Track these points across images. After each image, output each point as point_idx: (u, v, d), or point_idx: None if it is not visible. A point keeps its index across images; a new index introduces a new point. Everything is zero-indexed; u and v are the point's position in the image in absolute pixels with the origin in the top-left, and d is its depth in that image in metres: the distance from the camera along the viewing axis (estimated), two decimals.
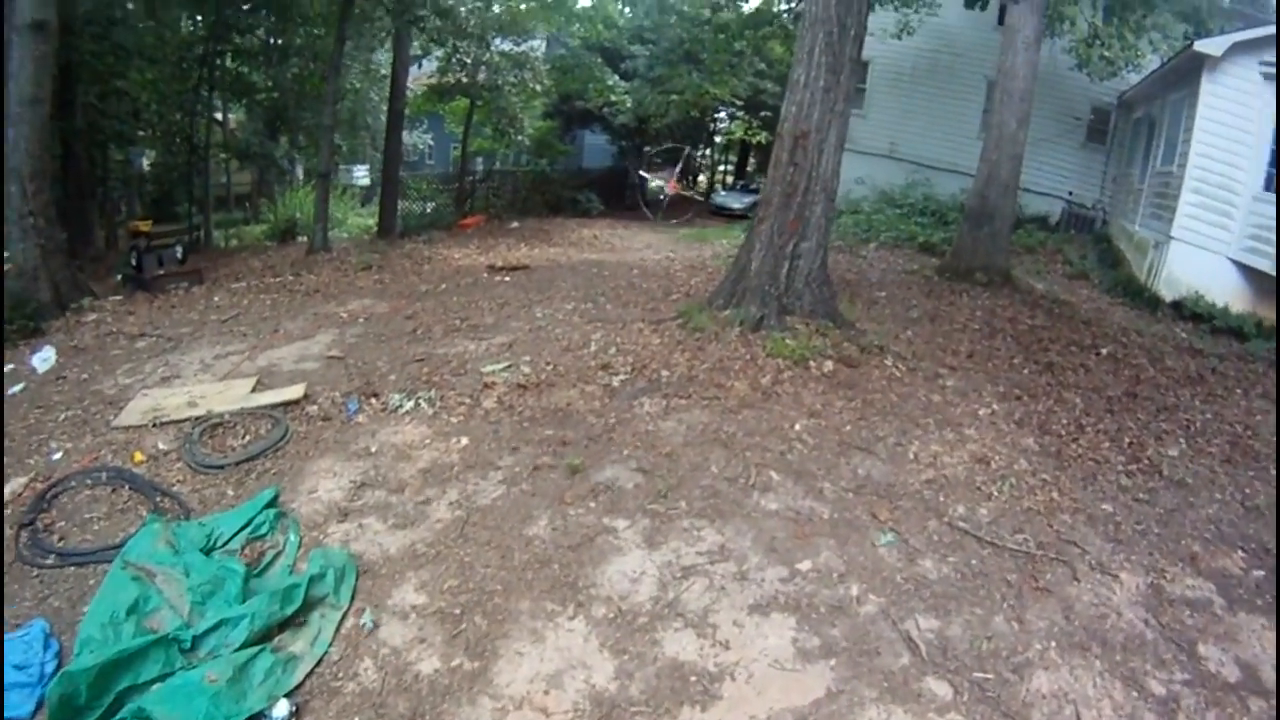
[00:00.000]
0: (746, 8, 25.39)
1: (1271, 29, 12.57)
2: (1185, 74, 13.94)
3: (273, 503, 6.09)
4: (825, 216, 9.47)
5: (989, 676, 4.80)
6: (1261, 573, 6.71)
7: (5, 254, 11.06)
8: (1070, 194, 20.51)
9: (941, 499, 6.50)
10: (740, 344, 8.78)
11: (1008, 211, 13.52)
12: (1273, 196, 12.48)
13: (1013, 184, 13.40)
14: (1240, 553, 6.89)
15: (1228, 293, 13.10)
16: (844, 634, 5.00)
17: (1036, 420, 8.26)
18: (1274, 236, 12.12)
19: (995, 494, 6.68)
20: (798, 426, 7.34)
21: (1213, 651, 5.58)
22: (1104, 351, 10.56)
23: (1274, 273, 12.22)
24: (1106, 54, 15.30)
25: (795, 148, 9.15)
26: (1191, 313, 12.89)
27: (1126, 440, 8.17)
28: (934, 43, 20.45)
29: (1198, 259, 13.29)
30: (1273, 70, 12.45)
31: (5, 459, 6.67)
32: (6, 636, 4.59)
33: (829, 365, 8.57)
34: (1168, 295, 13.30)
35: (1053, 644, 5.15)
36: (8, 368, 8.95)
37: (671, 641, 4.83)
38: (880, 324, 10.32)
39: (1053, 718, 4.66)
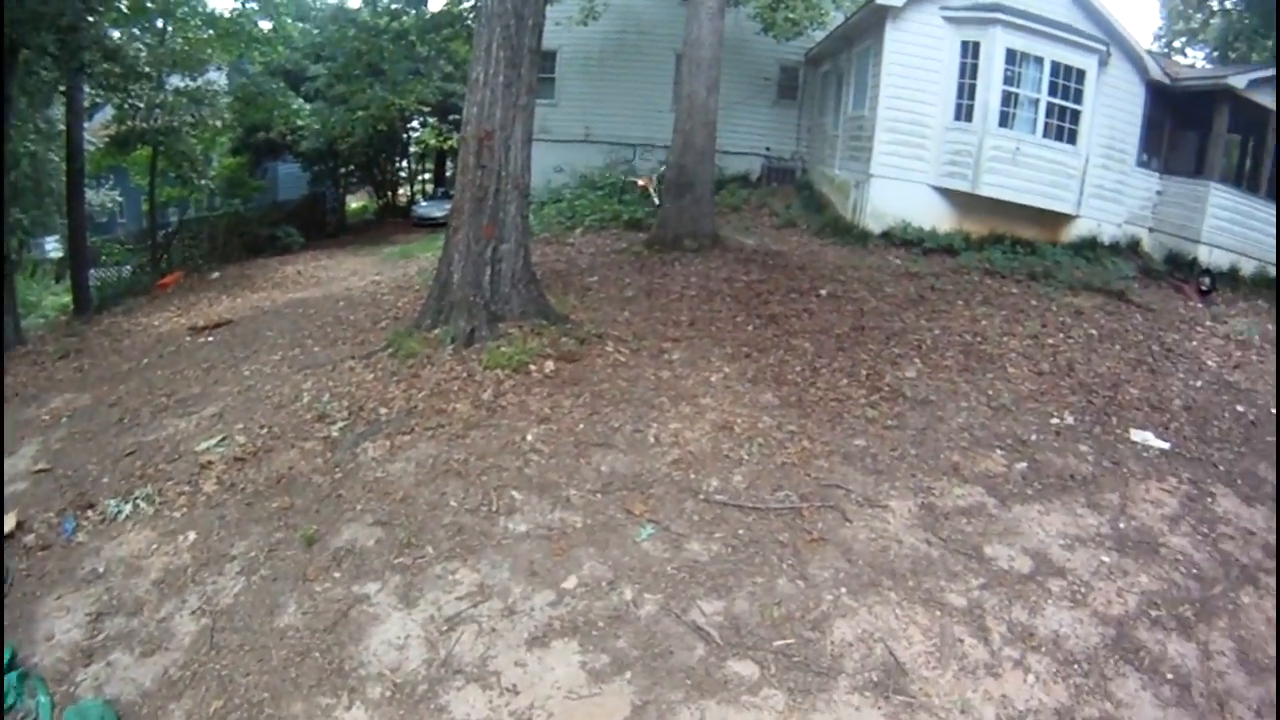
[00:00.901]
0: (430, 10, 24.59)
1: None
2: (869, 26, 14.75)
3: (12, 663, 5.02)
4: (521, 214, 9.10)
5: (789, 642, 4.72)
6: (1024, 464, 7.15)
7: None
8: (768, 149, 21.34)
9: (693, 477, 6.34)
10: (455, 362, 8.22)
11: (707, 176, 13.74)
12: (963, 124, 13.81)
13: (709, 149, 13.62)
14: (998, 451, 7.33)
15: (933, 216, 14.12)
16: (631, 643, 4.73)
17: (771, 374, 8.31)
18: (969, 160, 13.65)
19: (745, 458, 6.61)
20: (530, 437, 6.92)
21: (999, 550, 5.86)
22: (824, 292, 10.87)
23: (971, 190, 13.72)
24: (791, 15, 15.77)
25: (481, 149, 8.72)
26: (902, 240, 13.70)
27: (863, 373, 8.41)
28: (620, 24, 20.58)
29: (899, 190, 14.18)
30: (955, 14, 13.70)
31: None
32: None
33: (550, 365, 8.18)
34: (876, 228, 14.08)
35: (843, 590, 5.16)
36: None
37: (458, 702, 4.38)
38: (596, 310, 10.07)
39: (866, 661, 4.65)
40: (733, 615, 4.92)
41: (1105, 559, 6.09)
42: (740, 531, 5.65)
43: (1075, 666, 4.94)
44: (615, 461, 6.54)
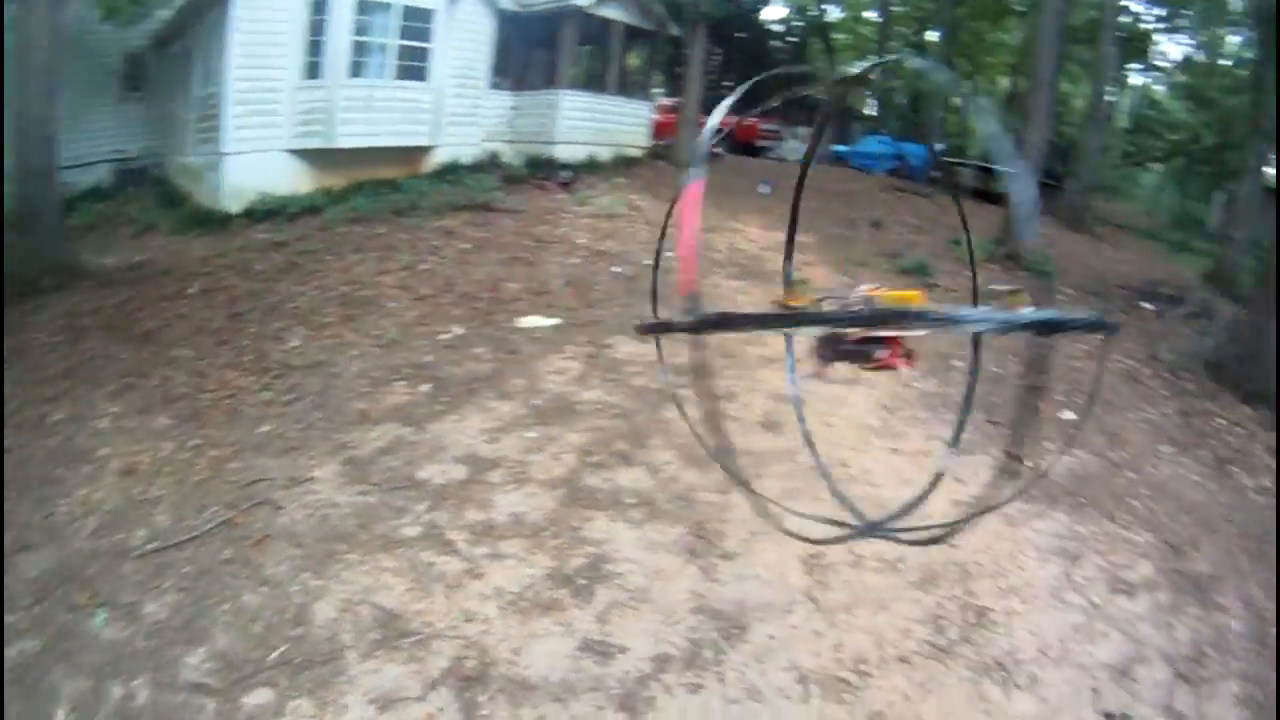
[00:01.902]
0: None
1: None
2: None
3: None
4: None
5: (284, 649, 4.43)
6: (427, 386, 7.44)
7: None
8: (117, 152, 19.06)
9: (119, 537, 5.56)
10: None
11: (54, 201, 11.92)
12: (316, 82, 13.56)
13: (50, 169, 11.74)
14: (400, 384, 7.54)
15: (294, 181, 13.73)
16: None
17: (159, 396, 7.63)
18: (324, 116, 13.51)
19: (160, 493, 6.00)
20: None
21: (431, 470, 6.07)
22: (193, 290, 10.18)
23: (328, 145, 13.64)
24: None
25: None
26: (264, 213, 13.11)
27: (249, 359, 8.05)
28: None
29: (255, 163, 13.50)
30: None
31: None
32: None
33: None
34: (237, 208, 13.35)
35: (307, 574, 4.96)
36: None
37: None
38: None
39: (360, 626, 4.55)
40: (219, 652, 4.50)
41: (531, 434, 6.54)
42: (186, 570, 5.13)
43: (546, 532, 5.32)
44: (40, 560, 5.51)
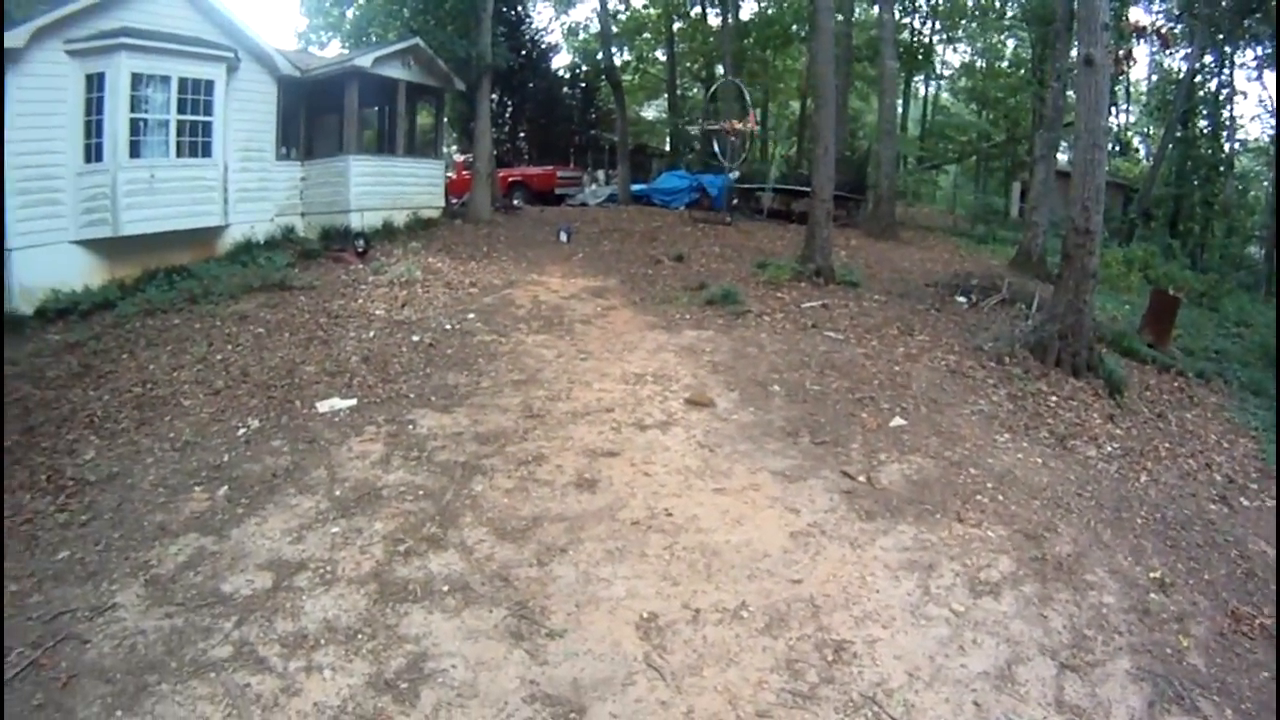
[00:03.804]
0: None
1: (76, 5, 12.95)
2: None
3: None
4: None
5: None
6: (224, 488, 7.41)
7: None
8: None
9: None
10: None
11: None
12: (96, 165, 13.31)
13: None
14: (197, 488, 7.44)
15: (83, 273, 13.35)
16: None
17: None
18: (107, 201, 13.29)
19: None
20: None
21: (237, 581, 5.96)
22: None
23: (115, 233, 13.40)
24: None
25: None
26: (57, 311, 12.65)
27: (44, 477, 7.81)
28: None
29: (42, 258, 13.06)
30: (79, 46, 13.06)
31: None
32: None
33: None
34: (29, 309, 12.82)
35: (119, 715, 4.79)
36: None
37: None
38: None
39: None
40: None
41: (335, 529, 6.60)
42: None
43: (361, 635, 5.31)
44: None
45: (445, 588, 5.82)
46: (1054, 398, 10.17)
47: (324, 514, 6.87)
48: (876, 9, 27.86)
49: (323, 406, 9.04)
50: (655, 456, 7.83)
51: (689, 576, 6.12)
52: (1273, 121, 30.13)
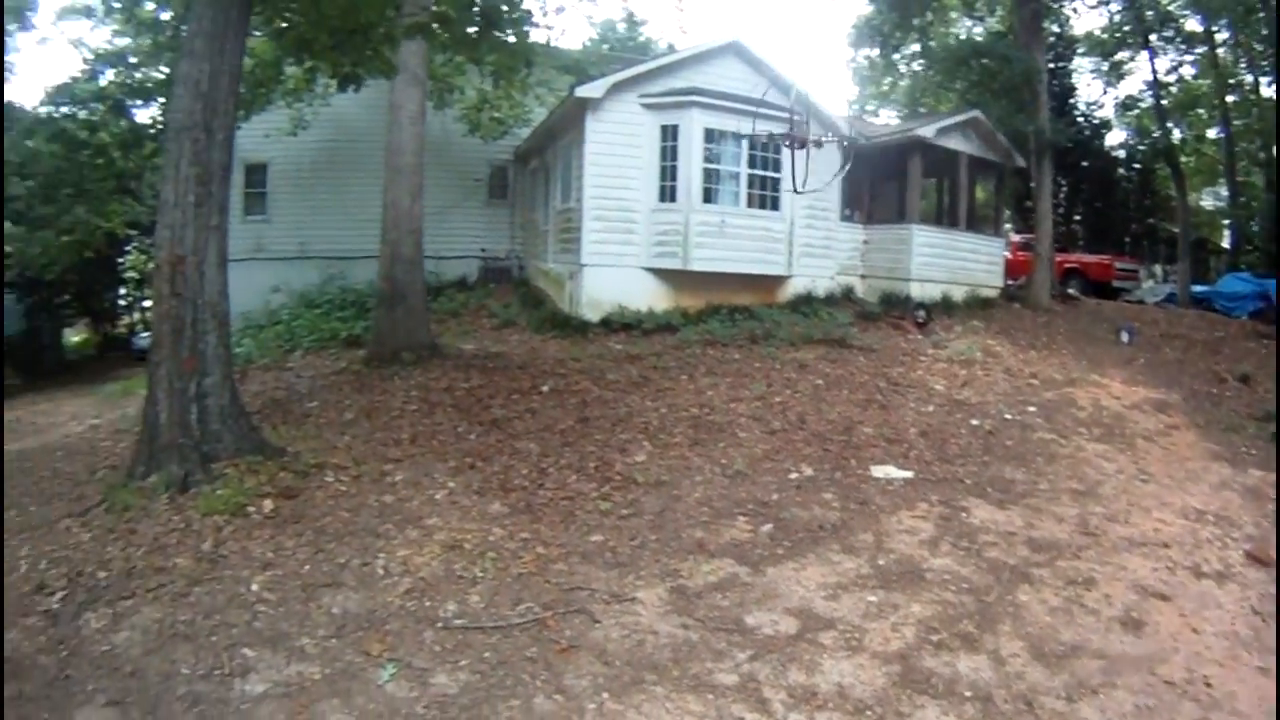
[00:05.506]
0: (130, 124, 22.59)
1: (648, 65, 14.80)
2: (572, 119, 15.14)
3: None
4: (224, 344, 8.29)
5: None
6: (769, 526, 7.12)
7: None
8: (484, 250, 21.52)
9: (428, 604, 5.78)
10: (171, 512, 7.16)
11: (418, 285, 13.32)
12: (669, 205, 14.36)
13: (417, 258, 13.27)
14: (741, 518, 7.26)
15: (649, 297, 14.43)
16: None
17: (497, 482, 7.91)
18: (678, 238, 14.17)
19: (480, 575, 6.14)
20: (255, 586, 6.09)
21: (761, 617, 5.72)
22: (546, 388, 10.63)
23: (683, 267, 14.17)
24: (496, 115, 16.12)
25: (174, 276, 7.87)
26: (620, 324, 13.81)
27: (592, 465, 8.19)
28: (330, 133, 19.90)
29: (612, 276, 14.41)
30: (653, 100, 14.47)
31: None
32: None
33: (269, 504, 7.33)
34: (593, 316, 14.14)
35: (605, 696, 4.79)
36: None
37: None
38: (316, 438, 9.30)
39: None
40: None
41: (872, 598, 6.09)
42: (486, 655, 5.16)
43: (868, 713, 4.81)
44: (346, 600, 5.86)
45: (968, 693, 5.11)
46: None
47: (864, 579, 6.42)
48: None
49: (878, 471, 8.47)
50: (1207, 612, 6.47)
51: None
52: None
